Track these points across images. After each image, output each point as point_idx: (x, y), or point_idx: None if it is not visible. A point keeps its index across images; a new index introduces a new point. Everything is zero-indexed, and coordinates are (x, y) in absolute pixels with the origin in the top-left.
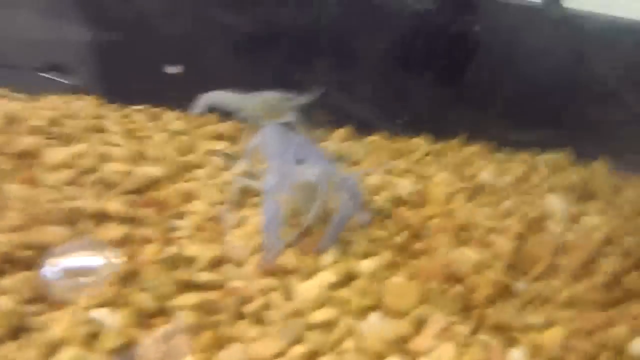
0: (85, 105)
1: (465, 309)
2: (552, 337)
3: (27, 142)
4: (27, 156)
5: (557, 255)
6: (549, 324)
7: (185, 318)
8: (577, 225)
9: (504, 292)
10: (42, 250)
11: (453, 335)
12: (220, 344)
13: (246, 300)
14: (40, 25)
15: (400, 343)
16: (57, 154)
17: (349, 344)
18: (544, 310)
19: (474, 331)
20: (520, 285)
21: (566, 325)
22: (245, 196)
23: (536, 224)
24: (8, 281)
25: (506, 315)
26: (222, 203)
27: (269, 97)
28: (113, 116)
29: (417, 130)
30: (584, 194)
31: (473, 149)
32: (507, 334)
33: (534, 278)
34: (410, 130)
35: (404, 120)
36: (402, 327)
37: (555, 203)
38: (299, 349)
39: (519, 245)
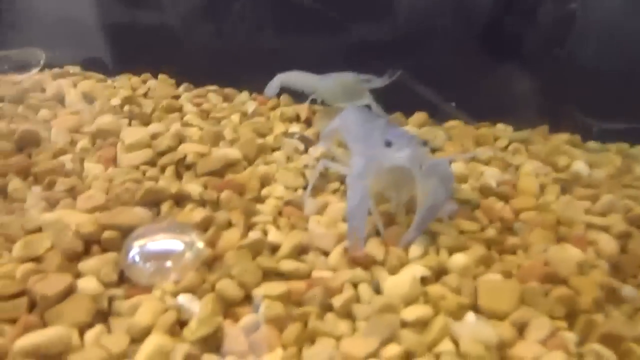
0: (158, 85)
1: (571, 313)
2: None
3: (104, 121)
4: (105, 135)
5: None
6: None
7: (271, 308)
8: None
9: (611, 297)
10: (126, 232)
11: (561, 343)
12: (309, 337)
13: (334, 291)
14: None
15: (503, 348)
16: (135, 133)
17: (445, 345)
18: None
19: (584, 340)
20: (629, 289)
21: None
22: (325, 181)
23: None
24: (93, 262)
25: (618, 324)
26: (302, 187)
27: (344, 78)
28: (187, 96)
29: (495, 117)
30: None
31: (562, 137)
32: (621, 345)
33: None
34: (488, 117)
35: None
36: (503, 330)
37: None
38: (394, 349)
39: (624, 244)
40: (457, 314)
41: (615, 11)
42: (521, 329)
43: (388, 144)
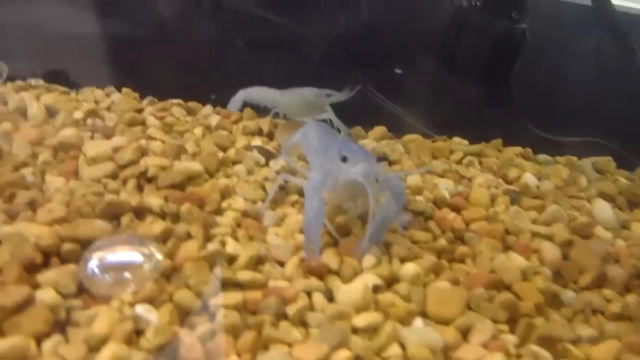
0: (122, 98)
1: (513, 317)
2: (605, 351)
3: (67, 134)
4: (68, 148)
5: (608, 264)
6: (600, 337)
7: (227, 317)
8: (628, 232)
9: (552, 301)
10: (85, 244)
11: (501, 345)
12: (263, 344)
13: (288, 300)
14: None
15: (447, 352)
16: (97, 146)
17: (393, 350)
18: (595, 322)
19: (523, 342)
20: (569, 294)
21: (619, 339)
22: (284, 193)
23: (585, 230)
24: (52, 274)
25: (556, 326)
26: (261, 200)
27: (305, 93)
28: (150, 109)
29: (450, 131)
30: (634, 200)
31: (514, 150)
32: (557, 346)
33: (583, 287)
34: (444, 131)
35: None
36: (448, 334)
37: (604, 209)
38: (343, 354)
39: (567, 251)
40: (406, 320)
41: (566, 30)
42: (465, 333)
43: (344, 159)
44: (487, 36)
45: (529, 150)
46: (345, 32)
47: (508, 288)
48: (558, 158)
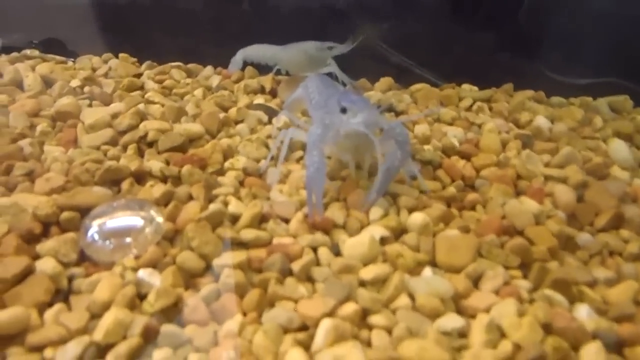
0: (119, 64)
1: (526, 263)
2: (622, 292)
3: (64, 103)
4: (65, 117)
5: (625, 204)
6: (618, 279)
7: (231, 276)
8: None
9: (567, 245)
10: (84, 211)
11: (514, 290)
12: (269, 302)
13: (293, 256)
14: None
15: (457, 300)
16: (95, 113)
17: (402, 301)
18: (612, 263)
19: (536, 286)
20: (585, 236)
21: (637, 280)
22: (288, 149)
23: (600, 171)
24: (52, 243)
25: (570, 269)
26: (264, 157)
27: (307, 47)
28: (148, 74)
29: (459, 78)
30: None
31: (525, 94)
32: (572, 290)
33: (600, 229)
34: (453, 78)
35: None
36: (458, 282)
37: (621, 148)
38: (350, 307)
39: (581, 193)
40: (415, 270)
41: None
42: (476, 281)
43: (343, 111)
44: None
45: (542, 93)
46: None
47: (520, 233)
48: (572, 100)
